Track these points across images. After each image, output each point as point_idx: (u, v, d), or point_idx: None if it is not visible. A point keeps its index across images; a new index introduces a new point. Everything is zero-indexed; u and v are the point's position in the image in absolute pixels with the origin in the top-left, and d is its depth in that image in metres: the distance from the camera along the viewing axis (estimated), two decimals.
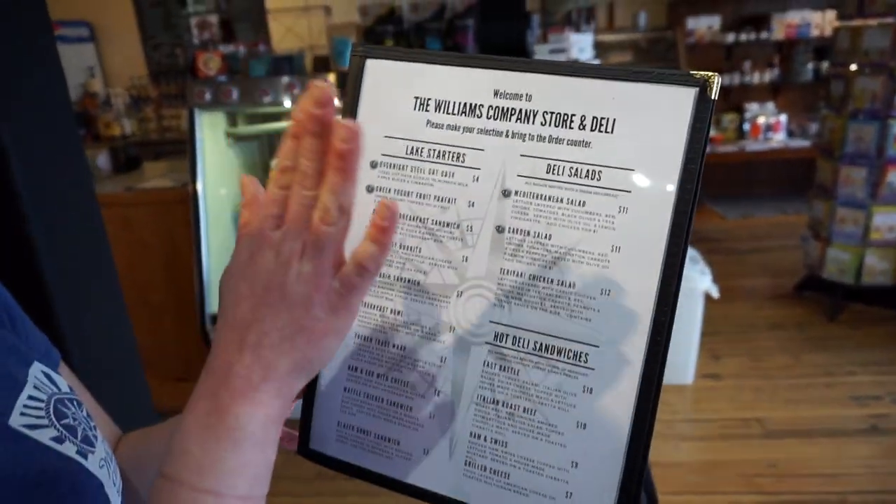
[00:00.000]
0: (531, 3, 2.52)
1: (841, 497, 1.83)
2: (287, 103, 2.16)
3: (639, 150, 0.39)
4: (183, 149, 2.94)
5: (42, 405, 0.39)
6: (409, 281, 0.44)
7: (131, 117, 4.90)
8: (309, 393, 0.46)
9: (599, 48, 4.03)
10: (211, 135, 2.28)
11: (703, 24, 4.58)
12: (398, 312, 0.44)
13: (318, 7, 2.45)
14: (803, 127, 4.68)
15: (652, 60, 4.58)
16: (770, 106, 4.72)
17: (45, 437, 0.37)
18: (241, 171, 2.48)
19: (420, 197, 0.43)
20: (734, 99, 4.71)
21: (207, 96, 2.16)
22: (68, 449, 0.38)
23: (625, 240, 0.39)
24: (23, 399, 0.38)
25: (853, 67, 2.77)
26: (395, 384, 0.44)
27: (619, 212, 0.39)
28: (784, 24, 4.51)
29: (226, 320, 0.36)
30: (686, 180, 0.37)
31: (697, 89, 0.37)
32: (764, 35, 4.53)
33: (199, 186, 2.20)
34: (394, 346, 0.44)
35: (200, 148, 2.20)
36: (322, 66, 2.28)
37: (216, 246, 2.28)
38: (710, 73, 0.37)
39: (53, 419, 0.39)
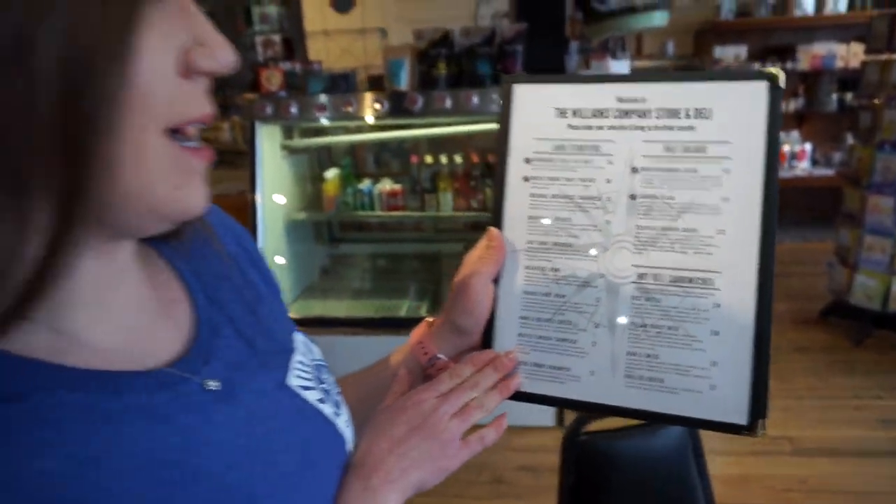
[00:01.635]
0: (570, 30, 2.65)
1: None
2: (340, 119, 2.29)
3: (732, 128, 0.52)
4: (226, 159, 3.07)
5: (308, 369, 0.49)
6: (563, 244, 0.56)
7: None
8: (486, 341, 0.58)
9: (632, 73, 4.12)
10: (268, 147, 2.40)
11: (730, 54, 4.68)
12: (556, 270, 0.56)
13: (374, 30, 2.59)
14: (827, 156, 4.75)
15: None
16: (795, 135, 4.80)
17: (312, 397, 0.47)
18: (294, 181, 2.61)
19: (567, 180, 0.56)
20: None
21: (269, 110, 2.29)
22: (327, 410, 0.48)
23: (731, 192, 0.52)
24: (294, 363, 0.48)
25: (881, 100, 2.86)
26: (561, 324, 0.56)
27: (724, 172, 0.52)
28: (810, 55, 4.61)
29: (382, 431, 0.50)
30: (771, 144, 0.51)
31: (768, 81, 0.51)
32: (789, 65, 4.62)
33: (258, 195, 2.32)
34: (556, 295, 0.56)
35: (260, 159, 2.33)
36: (376, 84, 2.40)
37: (269, 250, 2.40)
38: (776, 69, 0.51)
39: (317, 381, 0.49)
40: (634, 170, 0.54)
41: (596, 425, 1.17)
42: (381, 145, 2.79)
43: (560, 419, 2.35)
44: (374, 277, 2.89)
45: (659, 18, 2.28)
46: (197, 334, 0.42)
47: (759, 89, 0.51)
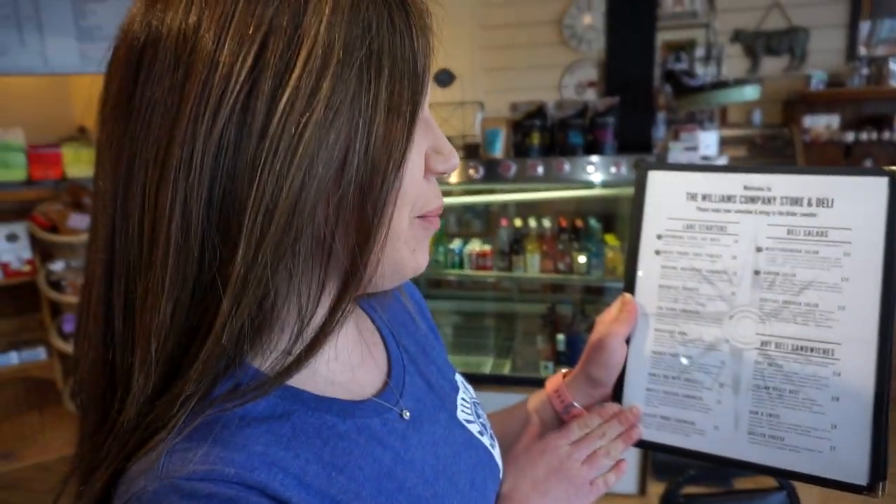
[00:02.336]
0: (658, 102, 2.73)
1: None
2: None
3: (853, 216, 0.58)
4: None
5: (469, 405, 0.59)
6: (691, 311, 0.63)
7: None
8: (616, 393, 0.65)
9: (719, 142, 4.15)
10: None
11: (821, 123, 4.62)
12: (684, 333, 0.63)
13: (474, 102, 2.78)
14: None
15: (768, 156, 4.65)
16: None
17: (474, 429, 0.57)
18: None
19: (696, 255, 0.64)
20: None
21: None
22: (486, 441, 0.57)
23: (851, 273, 0.57)
24: (459, 399, 0.58)
25: None
26: (687, 382, 0.63)
27: (844, 255, 0.58)
28: None
29: (524, 472, 0.60)
30: (891, 230, 0.57)
31: (889, 178, 0.57)
32: (886, 135, 4.50)
33: None
34: (683, 356, 0.63)
35: None
36: (472, 152, 2.56)
37: None
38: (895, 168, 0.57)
39: (476, 416, 0.59)
40: (759, 249, 0.61)
41: (692, 489, 1.18)
42: (467, 207, 2.92)
43: (642, 488, 2.31)
44: (455, 333, 2.98)
45: (750, 93, 2.34)
46: (390, 372, 0.52)
47: (880, 184, 0.57)
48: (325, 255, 0.40)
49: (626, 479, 2.32)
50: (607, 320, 0.65)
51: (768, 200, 0.61)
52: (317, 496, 0.39)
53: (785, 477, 0.59)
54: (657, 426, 0.64)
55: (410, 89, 0.40)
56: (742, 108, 4.86)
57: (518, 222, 2.60)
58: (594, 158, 2.29)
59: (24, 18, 2.52)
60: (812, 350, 0.58)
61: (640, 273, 0.66)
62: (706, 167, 0.65)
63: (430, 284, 3.07)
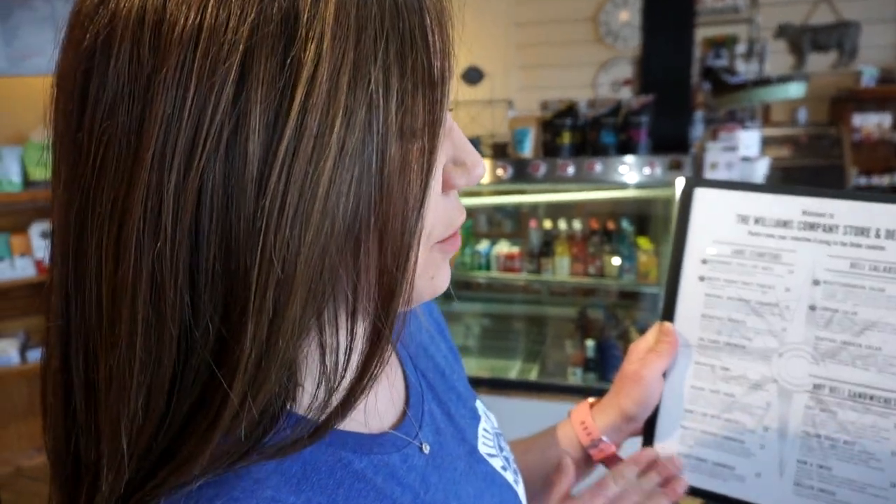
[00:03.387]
0: (696, 99, 2.63)
1: None
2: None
3: None
4: None
5: (491, 437, 0.54)
6: (735, 345, 0.57)
7: None
8: (649, 429, 0.59)
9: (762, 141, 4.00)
10: None
11: (871, 122, 4.42)
12: (726, 369, 0.57)
13: (502, 101, 2.72)
14: None
15: (813, 156, 4.46)
16: None
17: (497, 464, 0.52)
18: None
19: (744, 284, 0.57)
20: None
21: None
22: (509, 477, 0.52)
23: None
24: (480, 430, 0.53)
25: None
26: (728, 422, 0.57)
27: None
28: None
29: None
30: None
31: None
32: None
33: None
34: (724, 393, 0.57)
35: None
36: (500, 151, 2.50)
37: None
38: None
39: (499, 449, 0.53)
40: (816, 282, 0.55)
41: None
42: (497, 207, 2.87)
43: None
44: (482, 336, 2.92)
45: (795, 90, 2.23)
46: (408, 400, 0.47)
47: None
48: (348, 314, 0.34)
49: None
50: (642, 349, 0.59)
51: (830, 229, 0.55)
52: None
53: None
54: (691, 468, 0.58)
55: (428, 103, 0.32)
56: (786, 106, 4.68)
57: (548, 224, 2.54)
58: (627, 158, 2.22)
59: None
60: (872, 398, 0.52)
61: (680, 300, 0.60)
62: (761, 186, 0.59)
63: (457, 286, 3.02)
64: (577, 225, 2.49)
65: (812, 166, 4.52)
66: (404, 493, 0.41)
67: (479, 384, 2.36)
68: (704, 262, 0.59)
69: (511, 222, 2.93)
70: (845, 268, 0.54)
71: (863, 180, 4.41)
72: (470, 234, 2.69)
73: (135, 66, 0.29)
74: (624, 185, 2.26)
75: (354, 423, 0.41)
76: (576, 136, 2.32)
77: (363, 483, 0.38)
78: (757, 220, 0.57)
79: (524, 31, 4.37)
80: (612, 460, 0.60)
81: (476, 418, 0.54)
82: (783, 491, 0.54)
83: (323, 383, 0.34)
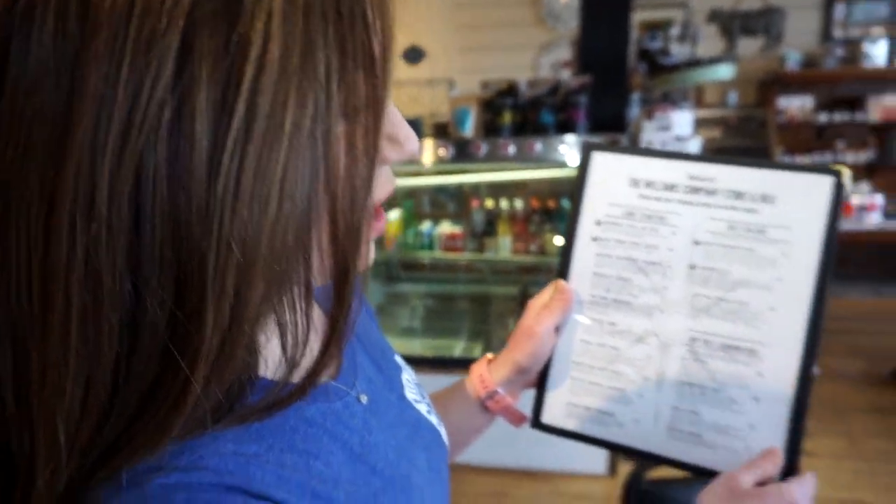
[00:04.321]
0: (632, 81, 2.70)
1: None
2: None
3: (794, 216, 0.55)
4: None
5: (413, 385, 0.56)
6: (622, 302, 0.61)
7: None
8: (542, 380, 0.63)
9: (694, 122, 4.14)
10: None
11: (795, 104, 4.63)
12: (613, 324, 0.61)
13: (443, 80, 2.71)
14: None
15: (742, 137, 4.65)
16: (865, 187, 4.66)
17: (422, 409, 0.53)
18: None
19: (633, 244, 0.61)
20: None
21: None
22: (433, 420, 0.54)
23: (785, 273, 0.55)
24: (403, 379, 0.55)
25: None
26: (612, 373, 0.61)
27: (781, 255, 0.56)
28: (880, 107, 4.50)
29: None
30: (829, 233, 0.54)
31: (834, 178, 0.55)
32: (859, 116, 4.53)
33: None
34: (610, 346, 0.61)
35: None
36: (441, 131, 2.50)
37: None
38: (840, 168, 0.55)
39: (421, 396, 0.55)
40: (697, 242, 0.58)
41: (656, 473, 1.16)
42: (440, 188, 2.88)
43: (612, 468, 2.31)
44: (427, 316, 2.94)
45: (724, 71, 2.31)
46: (341, 355, 0.49)
47: (824, 184, 0.55)
48: (303, 293, 0.34)
49: (596, 460, 2.31)
50: (538, 306, 0.62)
51: (712, 192, 0.58)
52: (298, 488, 0.35)
53: (700, 474, 0.57)
54: (578, 416, 0.62)
55: (370, 82, 0.32)
56: (718, 89, 4.85)
57: (490, 203, 2.56)
58: (566, 138, 2.25)
59: None
60: (738, 349, 0.56)
61: (574, 260, 0.63)
62: (651, 151, 0.62)
63: (402, 267, 3.02)
64: (518, 204, 2.53)
65: (740, 147, 4.71)
66: (352, 436, 0.42)
67: (422, 363, 2.38)
68: (598, 223, 0.62)
69: (454, 203, 2.95)
70: (723, 229, 0.57)
71: (787, 160, 4.63)
72: (412, 215, 2.69)
73: (60, 39, 0.27)
74: (563, 165, 2.30)
75: (300, 375, 0.42)
76: (516, 115, 2.34)
77: (315, 427, 0.39)
78: (647, 184, 0.60)
79: (465, 12, 4.36)
80: (508, 411, 0.63)
81: (399, 369, 0.56)
82: (658, 435, 0.58)
83: (284, 361, 0.35)
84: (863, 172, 4.70)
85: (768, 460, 0.53)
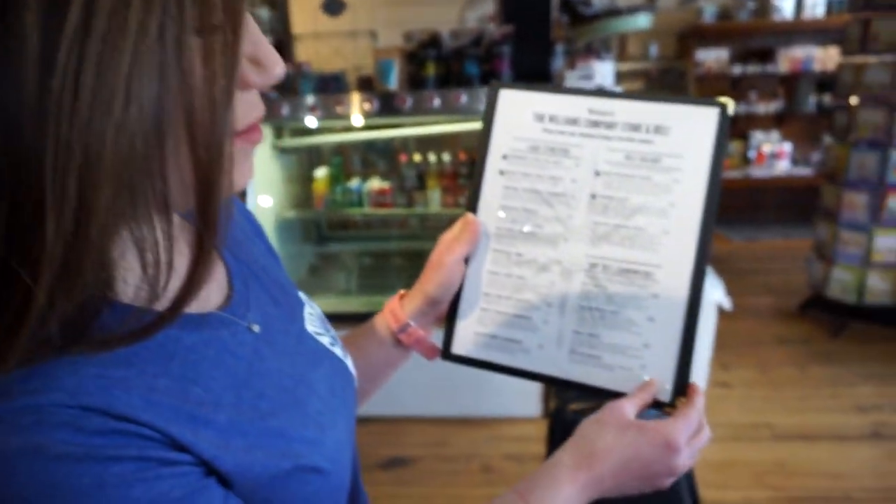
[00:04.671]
0: (556, 32, 2.71)
1: (845, 494, 1.96)
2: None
3: (685, 145, 0.59)
4: None
5: (316, 318, 0.56)
6: (528, 233, 0.63)
7: None
8: (452, 312, 0.65)
9: (616, 75, 4.23)
10: (259, 147, 2.44)
11: (712, 56, 4.79)
12: (519, 254, 0.63)
13: (365, 32, 2.64)
14: (806, 156, 4.87)
15: (662, 88, 4.78)
16: (775, 135, 4.92)
17: (325, 341, 0.54)
18: (284, 180, 2.65)
19: (538, 177, 0.63)
20: (740, 127, 4.90)
21: None
22: (338, 351, 0.55)
23: (678, 199, 0.59)
24: (306, 313, 0.55)
25: (856, 100, 2.96)
26: (519, 302, 0.63)
27: (673, 182, 0.59)
28: (789, 59, 4.72)
29: (611, 454, 0.53)
30: (716, 160, 0.58)
31: (720, 108, 0.59)
32: (770, 68, 4.74)
33: (249, 194, 2.36)
34: (517, 276, 0.63)
35: None
36: (365, 85, 2.45)
37: None
38: (726, 100, 0.59)
39: (325, 329, 0.56)
40: (597, 173, 0.61)
41: (580, 404, 1.22)
42: (370, 145, 2.84)
43: (546, 410, 2.41)
44: (361, 275, 2.93)
45: (642, 21, 2.35)
46: (232, 286, 0.48)
47: (712, 114, 0.59)
48: (162, 209, 0.33)
49: (530, 404, 2.40)
50: (448, 239, 0.63)
51: (610, 125, 0.61)
52: (170, 411, 0.35)
53: (601, 396, 0.60)
54: (486, 344, 0.64)
55: None
56: (639, 42, 4.95)
57: (418, 158, 2.55)
58: None
59: None
60: (635, 272, 0.59)
61: (483, 193, 0.64)
62: (555, 88, 0.64)
63: (333, 226, 2.99)
64: (446, 158, 2.53)
65: None
66: (238, 363, 0.43)
67: (357, 319, 2.37)
68: (505, 157, 0.64)
69: (384, 161, 2.92)
70: (621, 160, 0.60)
71: None
72: (340, 172, 2.65)
73: None
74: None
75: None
76: (440, 67, 2.32)
77: (196, 354, 0.40)
78: (551, 119, 0.63)
79: None
80: (420, 343, 0.65)
81: (300, 304, 0.56)
82: (560, 359, 0.61)
83: (146, 281, 0.34)
84: (772, 122, 4.95)
85: (647, 390, 0.57)
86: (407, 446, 2.32)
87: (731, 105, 0.59)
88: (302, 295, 0.58)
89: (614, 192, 0.60)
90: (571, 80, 2.41)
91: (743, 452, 2.17)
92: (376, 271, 2.94)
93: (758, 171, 4.79)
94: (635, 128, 0.60)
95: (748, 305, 3.40)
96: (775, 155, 4.82)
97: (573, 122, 0.62)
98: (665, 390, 0.58)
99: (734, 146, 4.87)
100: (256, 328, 0.46)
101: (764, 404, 2.47)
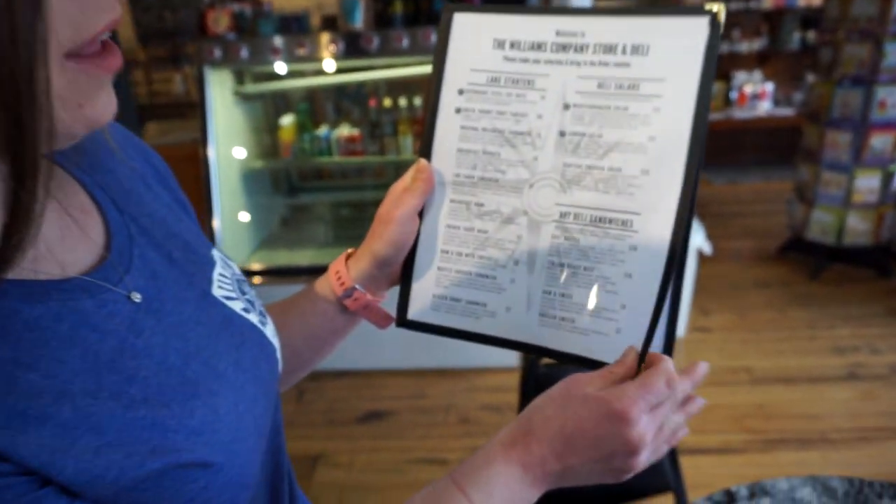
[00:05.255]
0: None
1: (822, 434, 1.97)
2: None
3: (668, 65, 0.50)
4: (177, 112, 2.92)
5: (229, 281, 0.48)
6: (489, 179, 0.54)
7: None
8: (406, 273, 0.56)
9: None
10: (219, 93, 2.30)
11: None
12: (480, 204, 0.54)
13: None
14: (789, 96, 4.79)
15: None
16: (757, 74, 4.81)
17: (237, 307, 0.46)
18: (248, 129, 2.52)
19: (499, 113, 0.54)
20: (722, 67, 4.79)
21: (217, 54, 2.18)
22: (253, 318, 0.47)
23: (658, 131, 0.50)
24: (216, 275, 0.47)
25: (841, 34, 2.86)
26: (481, 259, 0.55)
27: (653, 111, 0.50)
28: None
29: (549, 429, 0.43)
30: (704, 83, 0.49)
31: (710, 17, 0.48)
32: (753, 4, 4.59)
33: (211, 144, 2.24)
34: (478, 230, 0.55)
35: (211, 106, 2.23)
36: (330, 25, 2.30)
37: (225, 200, 2.33)
38: (718, 6, 0.48)
39: (240, 293, 0.47)
40: (566, 106, 0.52)
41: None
42: (339, 91, 2.70)
43: (524, 362, 2.38)
44: (334, 226, 2.85)
45: None
46: (110, 244, 0.40)
47: (700, 26, 0.49)
48: None
49: (508, 353, 2.37)
50: (399, 189, 0.55)
51: (581, 48, 0.52)
52: None
53: (570, 362, 0.52)
54: (446, 308, 0.56)
55: None
56: None
57: (388, 103, 2.43)
58: None
59: None
60: (611, 221, 0.51)
61: (437, 135, 0.55)
62: (517, 8, 0.54)
63: (302, 176, 2.87)
64: (417, 102, 2.41)
65: None
66: (104, 339, 0.36)
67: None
68: (461, 92, 0.55)
69: (354, 106, 2.79)
70: (593, 88, 0.51)
71: None
72: (308, 119, 2.52)
73: None
74: None
75: (26, 271, 0.34)
76: (408, 4, 2.18)
77: (37, 332, 0.33)
78: (513, 45, 0.53)
79: None
80: (369, 310, 0.57)
81: (210, 264, 0.48)
82: (530, 323, 0.54)
83: None
84: (755, 61, 4.84)
85: (623, 363, 0.46)
86: (384, 399, 2.28)
87: (722, 10, 0.48)
88: (217, 254, 0.50)
89: (586, 128, 0.51)
90: None
91: (722, 397, 2.17)
92: (352, 222, 2.85)
93: (739, 113, 4.70)
94: (609, 49, 0.51)
95: (728, 249, 3.37)
96: (757, 95, 4.73)
97: (538, 47, 0.53)
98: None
99: (715, 87, 4.77)
100: (137, 297, 0.39)
101: (743, 348, 2.47)
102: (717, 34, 0.48)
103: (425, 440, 2.06)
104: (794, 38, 4.70)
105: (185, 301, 0.42)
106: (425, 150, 0.56)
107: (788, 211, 3.22)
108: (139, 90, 4.89)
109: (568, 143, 0.52)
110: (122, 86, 1.15)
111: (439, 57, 0.55)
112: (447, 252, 0.56)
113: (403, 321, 0.57)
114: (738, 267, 3.20)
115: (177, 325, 0.40)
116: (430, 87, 0.56)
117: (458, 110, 0.55)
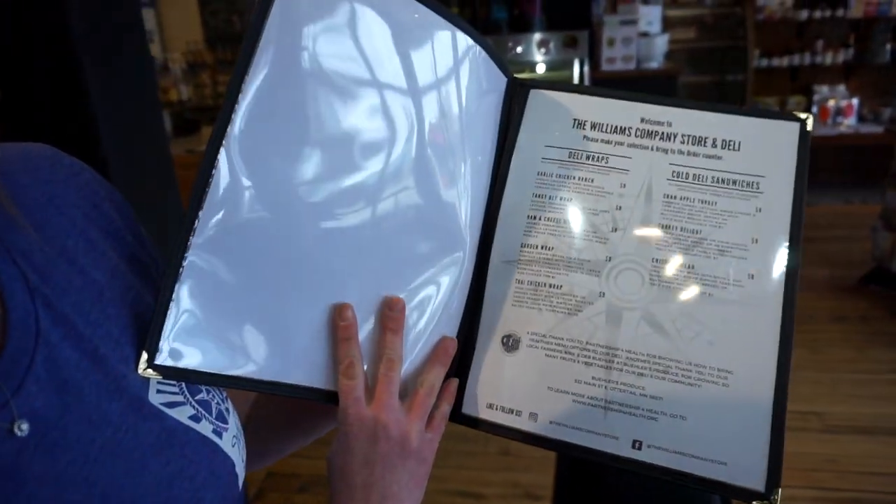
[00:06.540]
0: None
1: None
2: None
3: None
4: None
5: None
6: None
7: (188, 83, 4.98)
8: (462, 364, 0.51)
9: (665, 22, 3.88)
10: None
11: (775, 0, 4.35)
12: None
13: None
14: (876, 112, 4.44)
15: (718, 38, 4.40)
16: (841, 88, 4.49)
17: (184, 415, 0.37)
18: None
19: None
20: (803, 80, 4.49)
21: None
22: (205, 428, 0.38)
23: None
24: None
25: None
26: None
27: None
28: (863, 2, 4.25)
29: (348, 483, 0.42)
30: (798, 183, 0.49)
31: (799, 124, 0.50)
32: (840, 12, 4.29)
33: None
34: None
35: None
36: None
37: None
38: (806, 114, 0.51)
39: (188, 395, 0.38)
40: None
41: None
42: None
43: None
44: None
45: None
46: (5, 344, 0.31)
47: (790, 131, 0.50)
48: None
49: None
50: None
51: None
52: None
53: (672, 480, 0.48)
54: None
55: None
56: None
57: None
58: (520, 37, 2.03)
59: None
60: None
61: (503, 212, 0.53)
62: (598, 90, 0.55)
63: None
64: None
65: (715, 48, 4.46)
66: None
67: None
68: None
69: None
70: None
71: (764, 62, 4.40)
72: None
73: None
74: (523, 67, 2.09)
75: None
76: (465, 12, 2.10)
77: None
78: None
79: None
80: None
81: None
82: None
83: None
84: (840, 74, 4.52)
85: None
86: None
87: (810, 120, 0.51)
88: None
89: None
90: (611, 25, 2.16)
91: (788, 445, 1.98)
92: None
93: (820, 129, 4.39)
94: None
95: (802, 276, 3.10)
96: (841, 111, 4.41)
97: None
98: (759, 480, 0.47)
99: (795, 101, 4.47)
100: (24, 428, 0.30)
101: (814, 389, 2.26)
102: (807, 143, 0.50)
103: (461, 471, 1.96)
104: (885, 50, 4.35)
105: (103, 420, 0.34)
106: (488, 229, 0.52)
107: (873, 238, 2.96)
108: (205, 91, 5.01)
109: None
110: (147, 89, 1.11)
111: (513, 130, 0.54)
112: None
113: (457, 416, 0.51)
114: (813, 297, 2.95)
115: (81, 463, 0.32)
116: (499, 162, 0.53)
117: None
